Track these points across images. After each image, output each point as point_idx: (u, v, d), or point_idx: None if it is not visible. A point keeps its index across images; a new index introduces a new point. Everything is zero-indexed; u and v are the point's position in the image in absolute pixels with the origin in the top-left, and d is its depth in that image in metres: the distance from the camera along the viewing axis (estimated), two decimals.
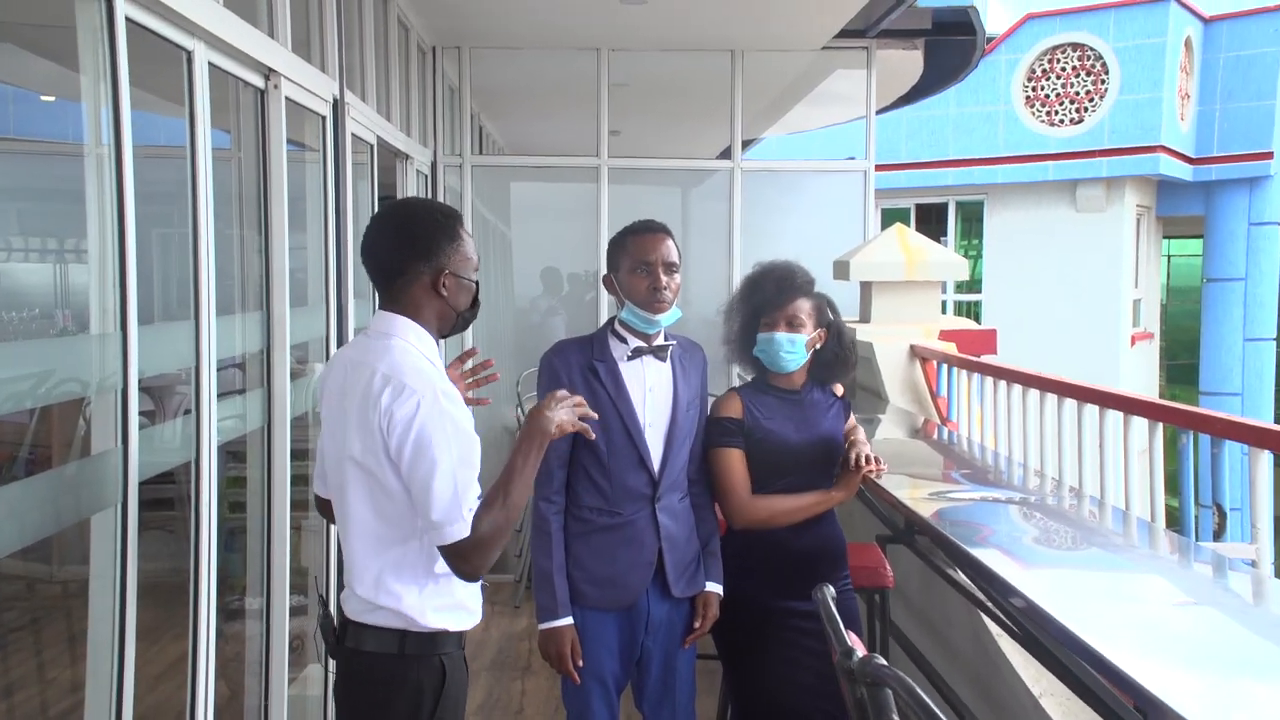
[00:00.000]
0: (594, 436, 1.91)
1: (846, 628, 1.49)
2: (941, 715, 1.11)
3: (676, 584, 2.33)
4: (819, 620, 2.31)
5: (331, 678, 1.96)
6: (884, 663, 1.29)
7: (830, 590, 1.66)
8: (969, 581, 2.88)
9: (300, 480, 3.29)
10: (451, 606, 1.78)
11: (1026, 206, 11.91)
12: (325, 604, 1.91)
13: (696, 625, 2.36)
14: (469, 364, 2.15)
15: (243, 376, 2.82)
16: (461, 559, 1.68)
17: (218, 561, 2.32)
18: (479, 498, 1.70)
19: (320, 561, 3.31)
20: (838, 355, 2.50)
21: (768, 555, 2.42)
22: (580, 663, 2.26)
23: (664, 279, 2.25)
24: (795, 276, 2.43)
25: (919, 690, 1.16)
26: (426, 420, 1.65)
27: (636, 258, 2.27)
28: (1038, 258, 11.68)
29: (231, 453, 2.82)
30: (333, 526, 3.28)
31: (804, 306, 2.42)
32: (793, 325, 2.40)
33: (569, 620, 2.26)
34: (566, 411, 1.83)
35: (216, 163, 2.31)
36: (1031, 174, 11.71)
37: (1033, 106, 11.78)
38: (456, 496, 1.66)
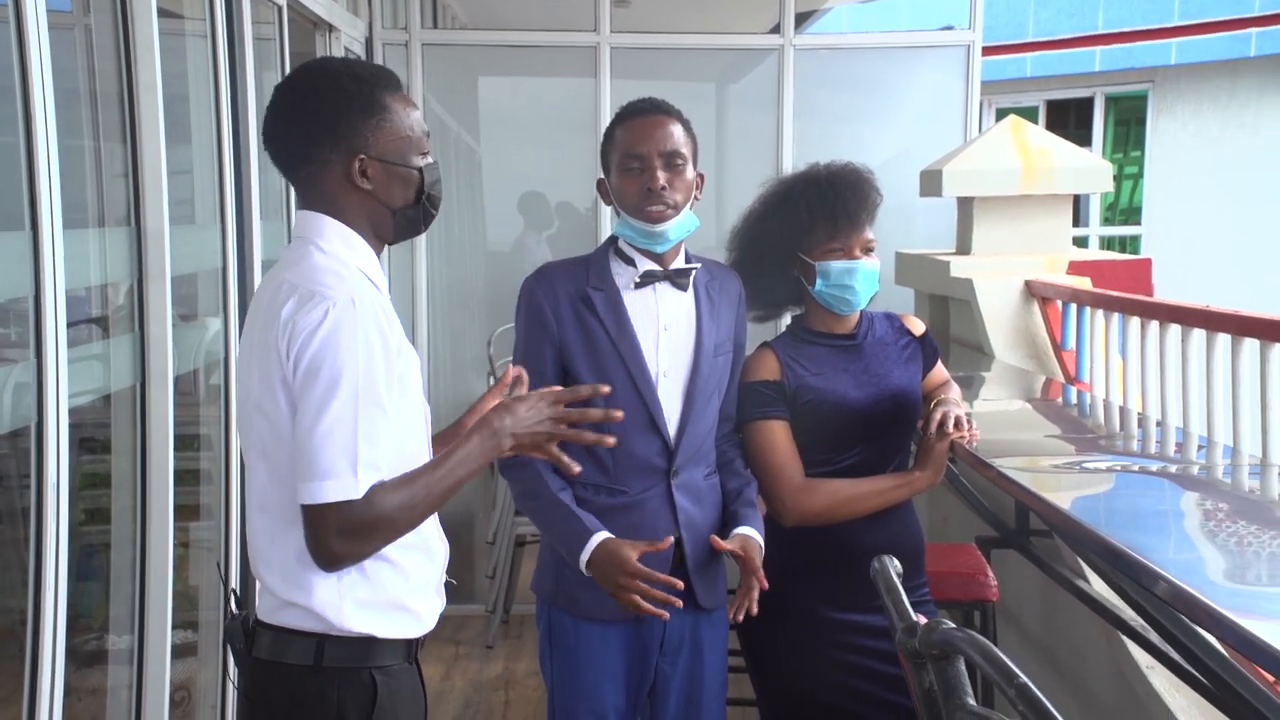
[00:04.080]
0: (611, 442, 1.93)
1: None
2: (1029, 683, 1.14)
3: (700, 587, 2.36)
4: (891, 638, 2.38)
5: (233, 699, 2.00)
6: (952, 625, 1.33)
7: (894, 562, 1.70)
8: (1108, 593, 2.91)
9: (190, 477, 3.36)
10: (382, 605, 1.81)
11: (1213, 100, 11.62)
12: (237, 599, 1.95)
13: (747, 580, 2.29)
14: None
15: (100, 319, 2.88)
16: (339, 532, 1.66)
17: (67, 590, 2.35)
18: (387, 463, 1.70)
19: (219, 554, 3.38)
20: None
21: (825, 554, 2.47)
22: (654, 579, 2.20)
23: (661, 176, 2.27)
24: (870, 185, 2.49)
25: (1000, 654, 1.20)
26: (333, 331, 1.68)
27: (625, 150, 2.30)
28: (1229, 175, 11.45)
29: (86, 442, 2.88)
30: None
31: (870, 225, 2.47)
32: (869, 250, 2.45)
33: (604, 533, 2.24)
34: (544, 420, 1.83)
35: (55, 31, 2.36)
36: (1224, 49, 11.34)
37: None
38: (351, 441, 1.66)
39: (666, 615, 2.22)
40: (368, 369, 1.69)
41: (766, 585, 2.28)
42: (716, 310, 2.39)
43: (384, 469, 1.71)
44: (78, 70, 2.81)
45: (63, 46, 2.43)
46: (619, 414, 1.90)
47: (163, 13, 2.92)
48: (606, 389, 1.93)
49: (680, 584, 2.19)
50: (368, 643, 1.80)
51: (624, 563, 2.19)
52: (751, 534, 2.36)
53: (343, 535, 1.68)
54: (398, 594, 1.83)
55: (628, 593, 2.18)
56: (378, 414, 1.70)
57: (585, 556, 2.24)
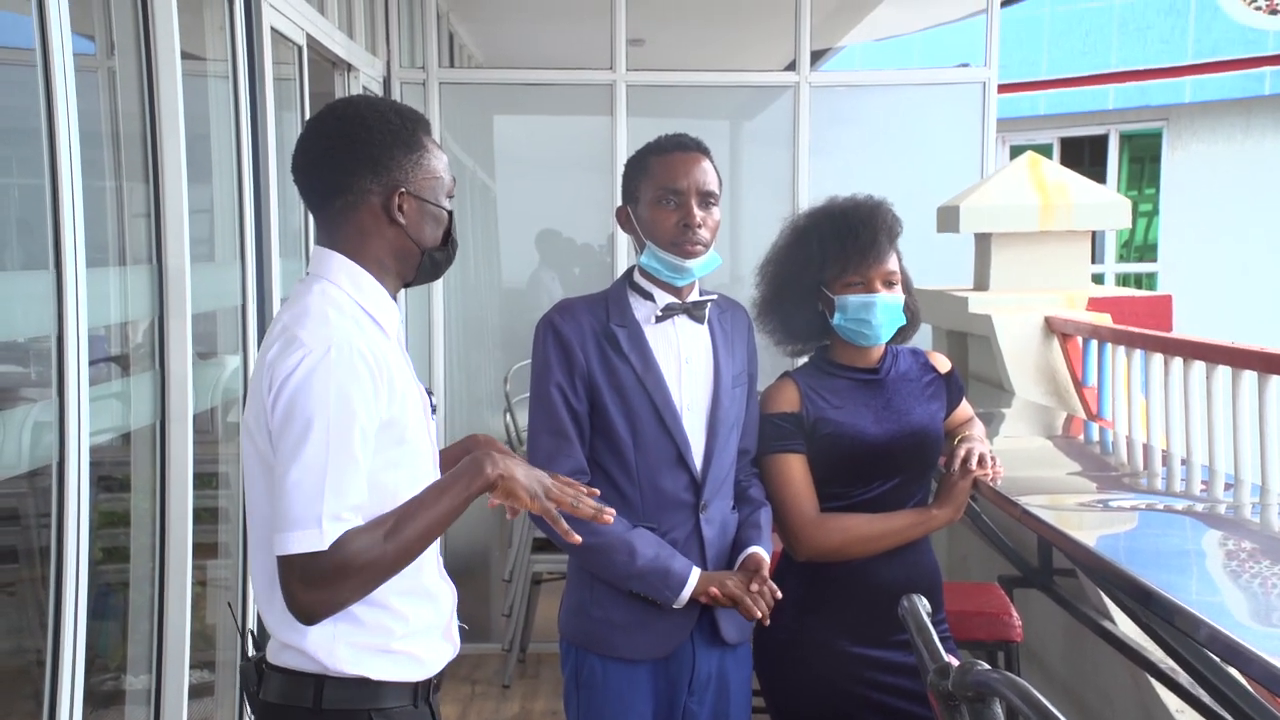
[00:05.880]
0: (601, 513, 1.87)
1: None
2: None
3: (726, 621, 2.36)
4: (912, 676, 2.35)
5: None
6: (987, 667, 1.31)
7: (923, 602, 1.69)
8: (1135, 634, 2.88)
9: (208, 515, 3.36)
10: (376, 648, 1.79)
11: (1228, 138, 11.68)
12: (252, 641, 1.95)
13: (754, 586, 2.29)
14: None
15: (121, 358, 2.89)
16: (303, 583, 1.64)
17: (85, 631, 2.34)
18: (361, 511, 1.68)
19: (236, 593, 3.37)
20: (912, 313, 2.54)
21: (841, 588, 2.45)
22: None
23: (698, 213, 2.29)
24: (889, 217, 2.48)
25: (1037, 694, 1.18)
26: (306, 379, 1.67)
27: (662, 184, 2.31)
28: (1245, 212, 11.46)
29: (104, 480, 2.87)
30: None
31: (895, 256, 2.46)
32: (890, 283, 2.44)
33: (694, 570, 2.29)
34: (532, 479, 1.79)
35: (79, 73, 2.38)
36: (1238, 87, 11.43)
37: None
38: (319, 492, 1.64)
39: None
40: (340, 418, 1.67)
41: (778, 592, 2.29)
42: (730, 342, 2.42)
43: (352, 519, 1.68)
44: (100, 111, 2.84)
45: (86, 88, 2.45)
46: (609, 516, 1.87)
47: (185, 55, 2.95)
48: (610, 516, 1.89)
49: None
50: (366, 685, 1.79)
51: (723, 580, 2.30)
52: (757, 550, 2.37)
53: (309, 586, 1.65)
54: (394, 638, 1.81)
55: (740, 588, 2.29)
56: (349, 464, 1.68)
57: (684, 596, 2.28)
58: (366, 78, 4.98)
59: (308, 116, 4.00)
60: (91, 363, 2.42)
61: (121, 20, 2.84)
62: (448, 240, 1.88)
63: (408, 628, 1.82)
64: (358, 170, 1.79)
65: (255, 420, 1.75)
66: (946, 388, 2.59)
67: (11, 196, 2.83)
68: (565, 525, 1.85)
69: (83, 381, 2.35)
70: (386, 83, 5.37)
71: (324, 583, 1.65)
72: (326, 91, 4.66)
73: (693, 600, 2.29)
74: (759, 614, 2.27)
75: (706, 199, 2.31)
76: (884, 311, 2.42)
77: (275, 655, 1.81)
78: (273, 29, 3.57)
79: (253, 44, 3.39)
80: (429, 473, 1.86)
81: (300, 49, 3.97)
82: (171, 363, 2.89)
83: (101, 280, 2.65)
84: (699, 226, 2.29)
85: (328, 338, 1.70)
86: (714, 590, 2.27)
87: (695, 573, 2.29)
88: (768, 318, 2.57)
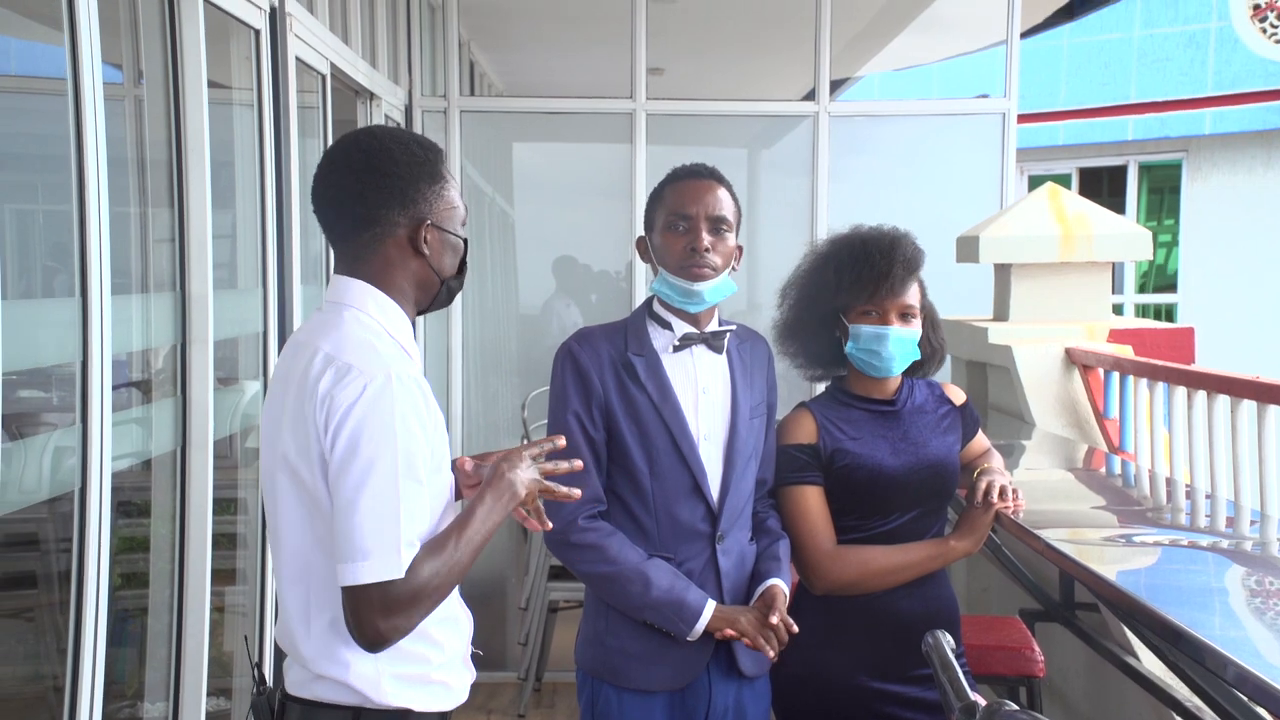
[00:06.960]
0: (575, 494, 1.95)
1: None
2: None
3: (744, 653, 2.35)
4: (932, 712, 2.33)
5: None
6: (1015, 707, 1.30)
7: (948, 638, 1.67)
8: (1160, 670, 2.85)
9: (226, 541, 3.37)
10: (418, 680, 1.80)
11: (1249, 169, 11.69)
12: (261, 675, 1.94)
13: (772, 619, 2.27)
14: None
15: (143, 384, 2.90)
16: (383, 611, 1.66)
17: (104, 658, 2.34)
18: (421, 538, 1.71)
19: (253, 619, 3.37)
20: (933, 348, 2.53)
21: (860, 622, 2.44)
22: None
23: (706, 238, 2.29)
24: (909, 249, 2.47)
25: None
26: (370, 408, 1.67)
27: (673, 209, 2.32)
28: (1265, 244, 11.43)
29: (123, 506, 2.88)
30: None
31: (915, 290, 2.46)
32: (906, 316, 2.43)
33: (710, 603, 2.28)
34: (533, 473, 1.87)
35: (106, 102, 2.40)
36: (1258, 119, 11.47)
37: (1263, 19, 11.59)
38: (394, 519, 1.66)
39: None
40: (406, 445, 1.69)
41: (794, 627, 2.27)
42: (749, 373, 2.41)
43: (417, 544, 1.71)
44: (126, 139, 2.86)
45: (112, 116, 2.48)
46: (579, 464, 1.97)
47: (211, 83, 2.98)
48: (563, 442, 1.98)
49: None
50: (403, 716, 1.79)
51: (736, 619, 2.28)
52: (775, 583, 2.35)
53: (387, 613, 1.66)
54: (432, 667, 1.83)
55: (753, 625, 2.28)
56: (416, 490, 1.70)
57: (698, 628, 2.27)
58: (389, 106, 5.02)
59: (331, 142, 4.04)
60: (114, 388, 2.43)
61: (150, 49, 2.87)
62: (462, 268, 1.90)
63: (443, 655, 1.84)
64: (387, 203, 1.80)
65: (298, 451, 1.73)
66: (962, 419, 2.58)
67: (38, 223, 2.85)
68: (543, 517, 1.93)
69: (106, 407, 2.36)
70: (408, 110, 5.41)
71: (401, 609, 1.67)
72: (349, 119, 4.69)
73: (709, 632, 2.29)
74: (771, 652, 2.25)
75: (717, 225, 2.31)
76: (896, 344, 2.41)
77: (303, 687, 1.80)
78: (298, 59, 3.60)
79: (278, 73, 3.42)
80: (450, 497, 1.87)
81: (324, 78, 4.00)
82: (193, 389, 2.90)
83: (125, 306, 2.67)
84: (706, 251, 2.29)
85: (385, 366, 1.71)
86: (728, 631, 2.27)
87: (710, 606, 2.28)
88: (788, 341, 2.58)
